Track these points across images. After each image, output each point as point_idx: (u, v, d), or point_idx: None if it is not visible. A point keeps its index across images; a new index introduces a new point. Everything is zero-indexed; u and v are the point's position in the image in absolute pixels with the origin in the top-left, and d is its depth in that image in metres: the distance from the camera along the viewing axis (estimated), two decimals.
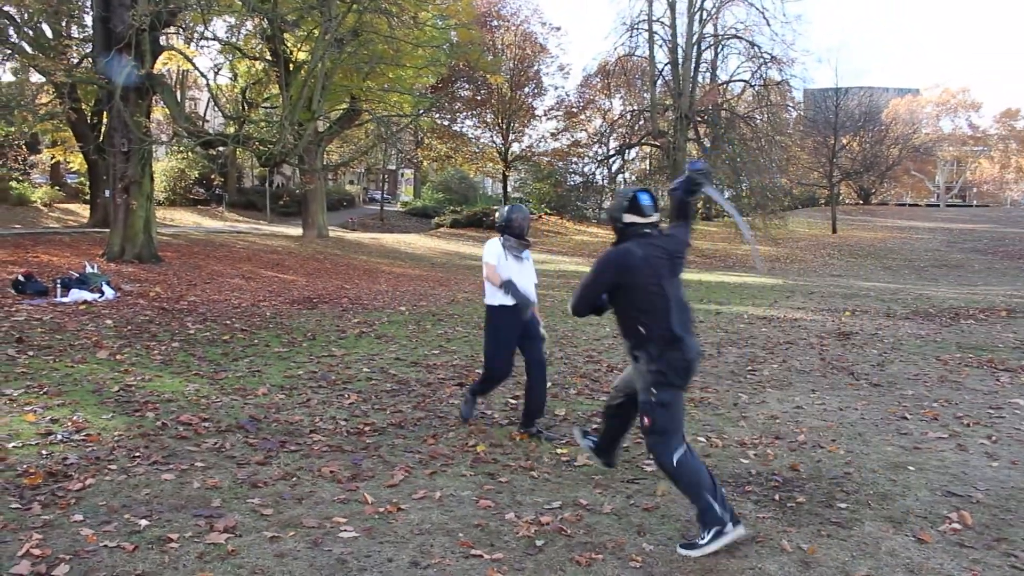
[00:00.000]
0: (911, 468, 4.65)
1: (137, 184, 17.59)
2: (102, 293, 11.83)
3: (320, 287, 15.92)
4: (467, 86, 43.16)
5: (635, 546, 3.47)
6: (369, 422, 5.47)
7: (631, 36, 36.28)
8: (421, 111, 28.59)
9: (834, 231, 39.07)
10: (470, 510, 3.85)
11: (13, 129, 30.61)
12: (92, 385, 6.12)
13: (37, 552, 3.17)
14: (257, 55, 27.30)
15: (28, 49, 23.33)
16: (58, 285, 11.97)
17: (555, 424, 5.58)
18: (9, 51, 24.63)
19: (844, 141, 43.83)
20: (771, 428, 5.57)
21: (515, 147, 45.80)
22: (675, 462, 3.54)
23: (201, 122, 29.82)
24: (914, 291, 18.27)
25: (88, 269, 13.42)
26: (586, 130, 42.63)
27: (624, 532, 3.63)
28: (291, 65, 24.06)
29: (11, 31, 22.27)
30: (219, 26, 27.90)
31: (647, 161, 40.99)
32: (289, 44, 23.86)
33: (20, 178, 35.26)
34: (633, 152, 38.73)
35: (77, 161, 31.65)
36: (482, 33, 37.27)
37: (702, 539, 3.43)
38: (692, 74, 34.64)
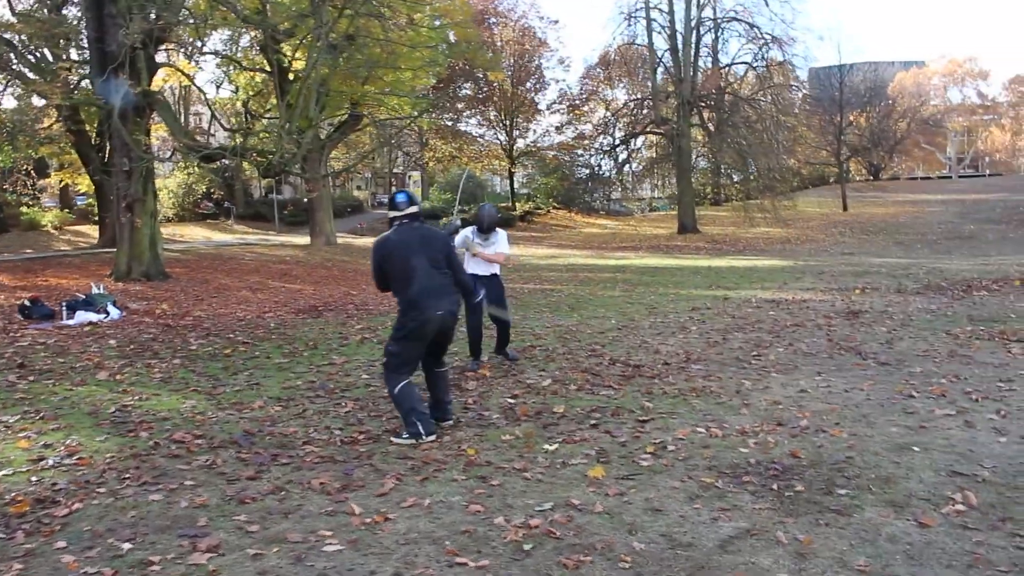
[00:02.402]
0: (915, 449, 4.54)
1: (140, 202, 17.61)
2: (107, 314, 11.84)
3: (327, 294, 15.90)
4: (468, 85, 43.10)
5: (625, 545, 3.38)
6: (364, 430, 5.40)
7: (629, 24, 36.03)
8: (418, 113, 28.47)
9: (844, 209, 38.72)
10: (459, 516, 3.78)
11: (18, 155, 30.87)
12: (89, 407, 6.10)
13: None
14: (254, 66, 27.35)
15: (29, 74, 23.48)
16: (64, 308, 12.01)
17: (554, 422, 5.48)
18: (10, 77, 24.81)
19: (851, 118, 43.44)
20: (773, 414, 5.46)
21: (520, 143, 45.68)
22: (395, 390, 5.13)
23: (206, 136, 29.86)
24: (927, 265, 18.03)
25: (94, 290, 13.44)
26: (590, 122, 42.40)
27: (615, 531, 3.54)
28: (289, 74, 24.09)
29: (12, 56, 22.40)
30: (217, 39, 28.03)
31: (653, 149, 40.70)
32: (287, 53, 23.89)
33: (30, 203, 35.49)
34: (640, 141, 38.42)
35: (85, 183, 31.79)
36: (480, 31, 37.11)
37: (402, 436, 5.04)
38: (693, 59, 34.32)
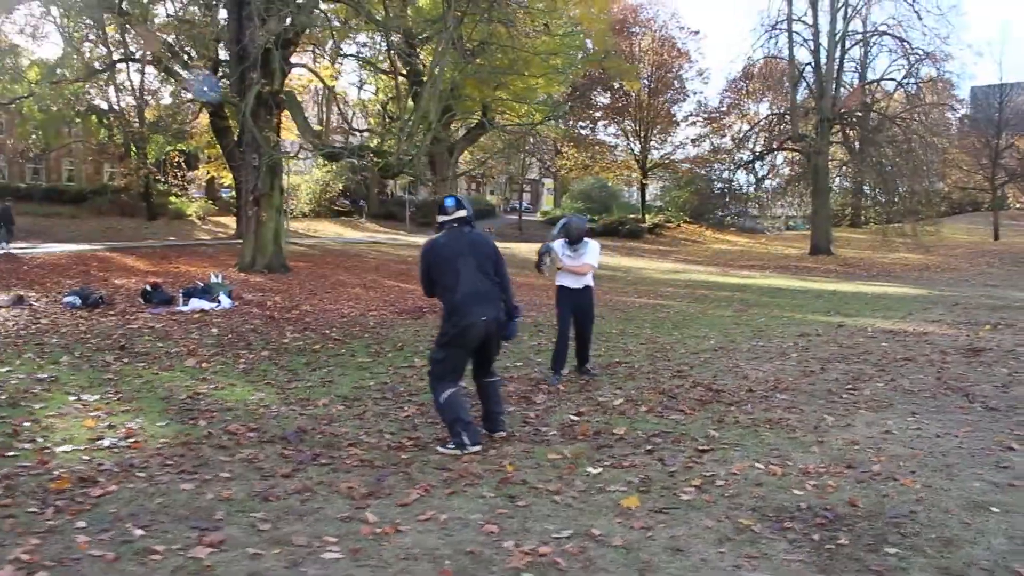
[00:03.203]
0: (994, 509, 4.03)
1: (267, 197, 18.46)
2: (219, 303, 12.41)
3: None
4: (604, 94, 42.89)
5: None
6: (415, 436, 5.35)
7: (771, 37, 34.87)
8: (542, 120, 28.48)
9: (996, 238, 35.95)
10: (470, 535, 3.64)
11: (170, 148, 33.10)
12: (164, 392, 6.35)
13: (26, 557, 3.22)
14: (390, 70, 28.16)
15: (183, 73, 25.12)
16: (181, 295, 12.68)
17: (609, 444, 5.25)
18: (165, 76, 26.57)
19: (1012, 141, 40.33)
20: (846, 455, 5.02)
21: (654, 154, 45.07)
22: (441, 399, 5.02)
23: (347, 136, 31.00)
24: None
25: (212, 279, 14.15)
26: (727, 136, 41.31)
27: (625, 569, 3.30)
28: (423, 78, 24.65)
29: (169, 55, 24.02)
30: (359, 42, 29.00)
31: (792, 167, 39.19)
32: (421, 59, 24.45)
33: (179, 193, 37.99)
34: (780, 158, 37.10)
35: (229, 177, 33.74)
36: (618, 40, 36.84)
37: (448, 447, 4.93)
38: (836, 74, 32.78)
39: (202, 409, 5.85)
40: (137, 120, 33.37)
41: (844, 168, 37.12)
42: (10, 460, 4.51)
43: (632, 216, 41.01)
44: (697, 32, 75.28)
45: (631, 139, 43.88)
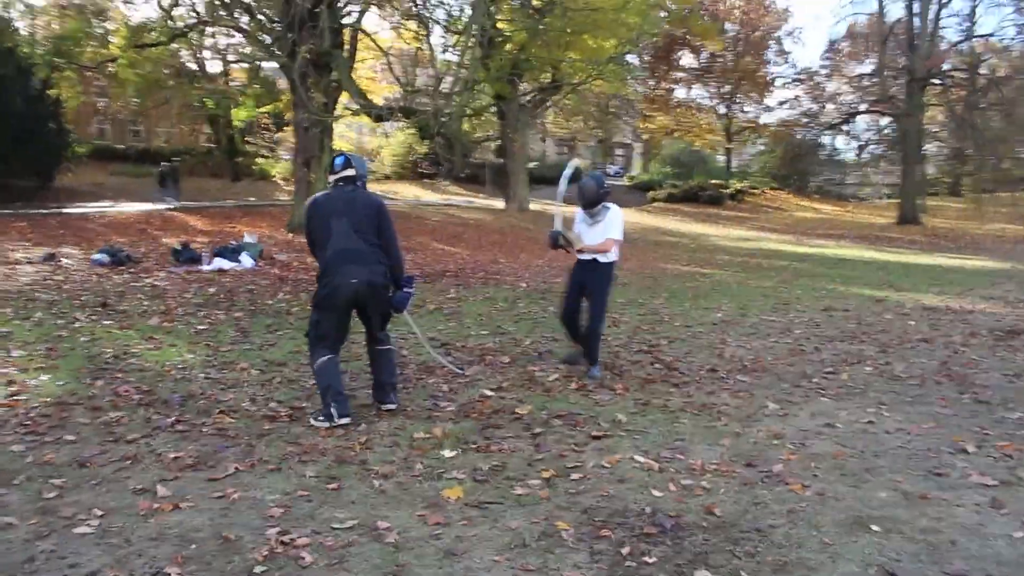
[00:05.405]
0: (875, 528, 3.46)
1: (317, 158, 18.51)
2: (239, 262, 12.51)
3: (472, 260, 15.75)
4: (689, 54, 41.30)
5: None
6: (301, 407, 5.09)
7: None
8: (611, 80, 27.52)
9: None
10: (246, 518, 3.38)
11: (259, 111, 33.75)
12: (96, 350, 6.33)
13: None
14: (464, 31, 27.73)
15: (264, 37, 25.40)
16: (208, 254, 12.84)
17: (495, 425, 4.87)
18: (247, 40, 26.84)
19: None
20: (753, 452, 4.48)
21: (740, 117, 43.21)
22: (315, 365, 4.84)
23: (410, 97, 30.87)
24: None
25: (246, 239, 14.31)
26: (820, 99, 39.08)
27: (375, 570, 2.96)
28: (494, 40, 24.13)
29: (247, 17, 24.30)
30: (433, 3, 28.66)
31: (886, 131, 36.80)
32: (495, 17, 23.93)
33: (266, 155, 38.87)
34: (869, 121, 34.88)
35: None
36: None
37: (317, 418, 4.69)
38: (931, 31, 30.35)
39: (113, 369, 5.79)
40: (223, 82, 34.20)
41: (940, 132, 34.50)
42: None
43: (714, 181, 39.38)
44: None
45: (716, 102, 42.13)
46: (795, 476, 4.06)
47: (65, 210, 20.71)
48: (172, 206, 23.86)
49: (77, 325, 7.33)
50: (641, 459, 4.28)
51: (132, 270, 11.50)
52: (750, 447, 4.57)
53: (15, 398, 4.94)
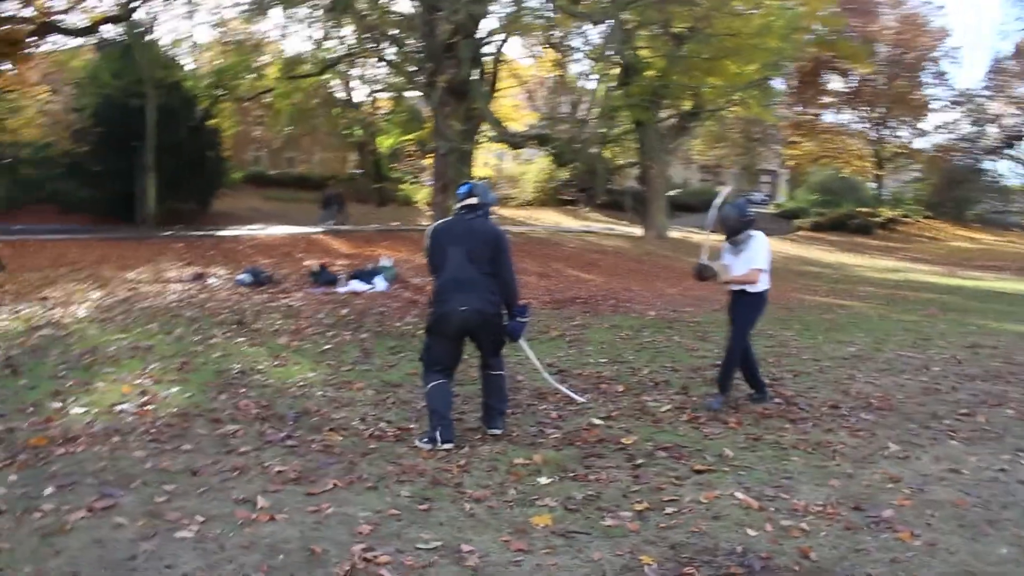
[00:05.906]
0: None
1: (454, 184, 19.03)
2: (372, 285, 12.98)
3: (605, 287, 15.61)
4: (837, 77, 39.72)
5: None
6: (410, 428, 5.21)
7: None
8: (749, 106, 26.83)
9: None
10: (335, 533, 3.48)
11: (405, 138, 35.12)
12: (225, 366, 6.70)
13: None
14: (601, 58, 27.90)
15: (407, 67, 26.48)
16: (344, 276, 13.41)
17: (597, 455, 4.81)
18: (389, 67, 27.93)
19: None
20: (863, 494, 4.20)
21: (893, 142, 41.07)
22: (425, 388, 4.95)
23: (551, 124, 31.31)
24: None
25: (382, 262, 14.84)
26: (980, 122, 36.60)
27: None
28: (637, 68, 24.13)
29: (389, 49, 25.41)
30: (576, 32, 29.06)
31: None
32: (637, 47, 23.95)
33: (411, 181, 40.29)
34: None
35: None
36: (849, 18, 33.83)
37: (422, 440, 4.76)
38: None
39: (238, 384, 6.11)
40: (370, 111, 35.80)
41: None
42: (26, 416, 4.97)
43: (863, 209, 37.49)
44: (942, 7, 67.55)
45: (867, 126, 40.18)
46: (905, 523, 3.78)
47: (219, 232, 22.18)
48: (327, 229, 25.05)
49: (213, 341, 7.80)
50: (741, 496, 4.10)
51: (271, 290, 12.14)
52: (861, 489, 4.30)
53: (145, 407, 5.31)
